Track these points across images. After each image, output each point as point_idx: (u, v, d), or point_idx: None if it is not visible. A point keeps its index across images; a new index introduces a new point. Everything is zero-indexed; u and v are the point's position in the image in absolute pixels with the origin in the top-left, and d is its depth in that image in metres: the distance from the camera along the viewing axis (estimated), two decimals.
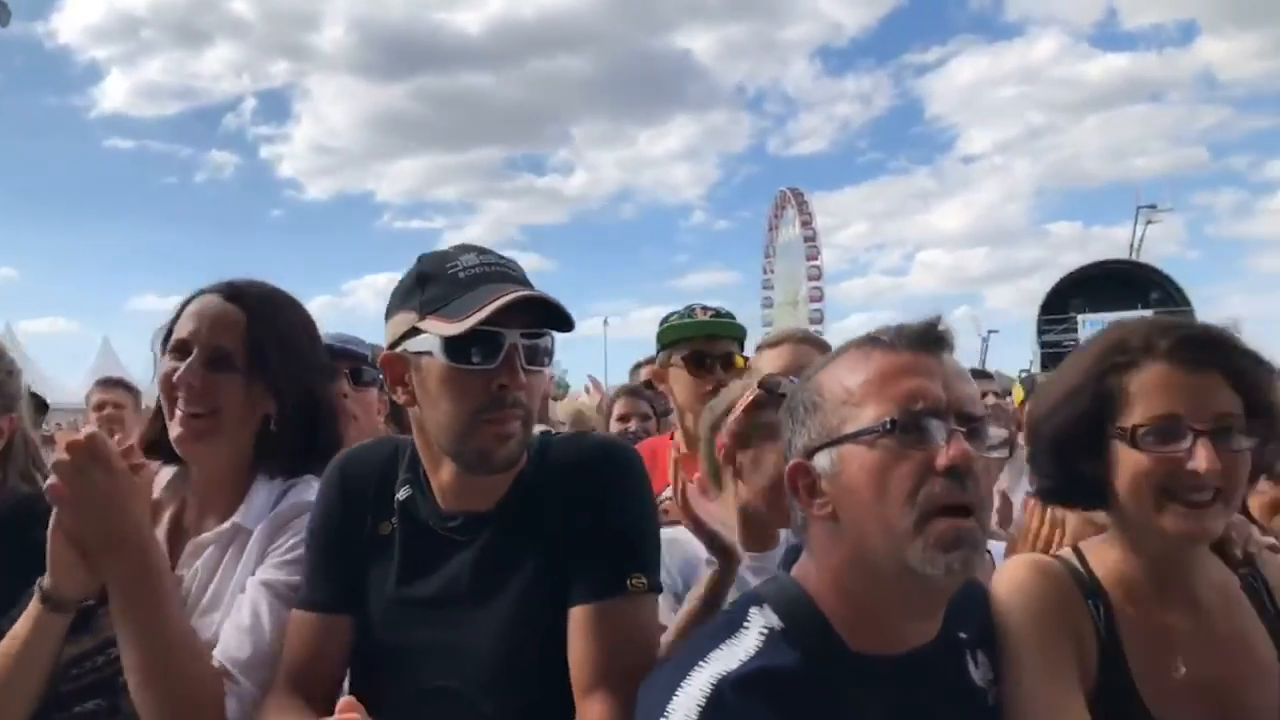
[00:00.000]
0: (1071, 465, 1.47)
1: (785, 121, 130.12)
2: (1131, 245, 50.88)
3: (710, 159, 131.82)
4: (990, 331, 49.97)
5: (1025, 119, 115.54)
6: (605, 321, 58.39)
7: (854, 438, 1.24)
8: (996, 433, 1.28)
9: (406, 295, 1.54)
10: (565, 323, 1.49)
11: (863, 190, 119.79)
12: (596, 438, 1.82)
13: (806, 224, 64.93)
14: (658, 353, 3.01)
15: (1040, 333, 44.59)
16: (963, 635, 1.37)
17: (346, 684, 1.60)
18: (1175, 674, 1.42)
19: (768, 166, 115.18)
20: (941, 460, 1.19)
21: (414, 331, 1.49)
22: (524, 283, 1.52)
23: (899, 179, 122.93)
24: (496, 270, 1.51)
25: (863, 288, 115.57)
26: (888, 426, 1.21)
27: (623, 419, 4.53)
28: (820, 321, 63.72)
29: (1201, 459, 1.34)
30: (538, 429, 1.58)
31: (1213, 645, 1.44)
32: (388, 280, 1.73)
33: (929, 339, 1.29)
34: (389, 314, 1.57)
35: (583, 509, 1.51)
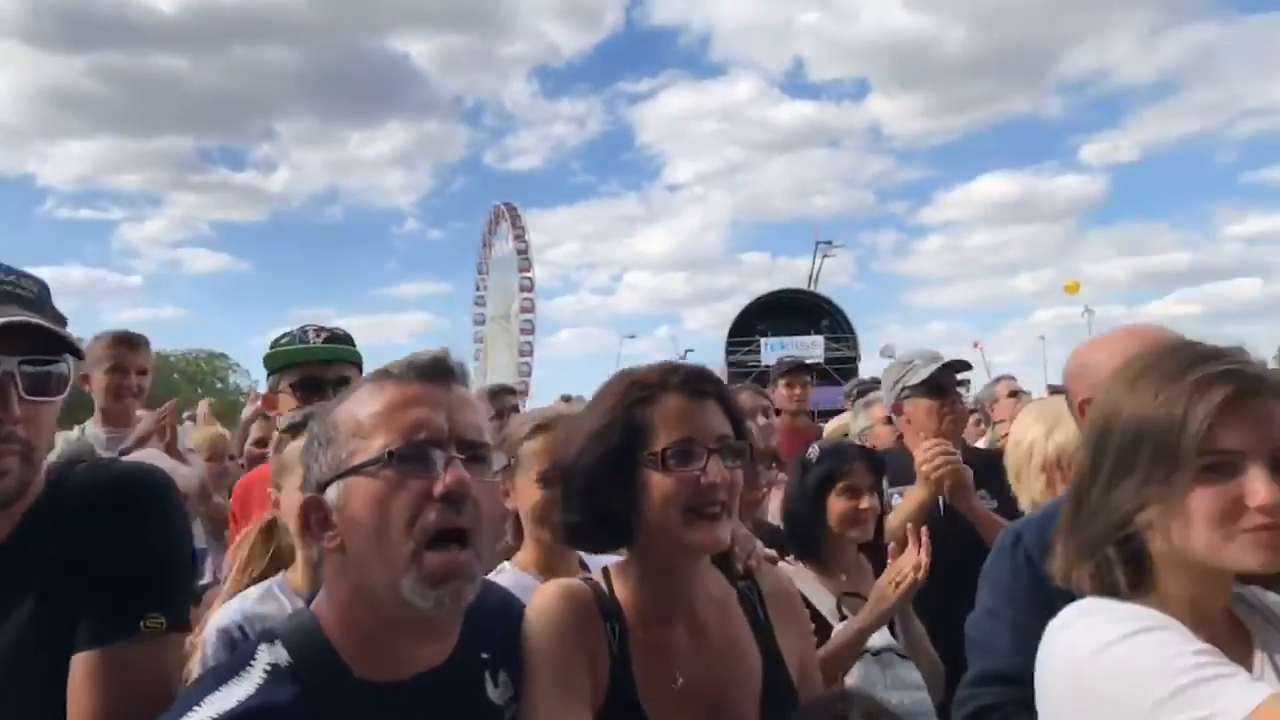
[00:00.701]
0: (605, 500, 1.58)
1: (502, 136, 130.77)
2: (810, 276, 56.59)
3: (424, 167, 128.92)
4: (687, 350, 53.09)
5: (724, 154, 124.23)
6: None
7: (359, 469, 1.27)
8: (499, 459, 1.38)
9: None
10: (76, 350, 1.41)
11: (575, 210, 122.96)
12: (121, 465, 1.70)
13: (520, 238, 65.47)
14: (268, 377, 2.83)
15: (728, 353, 48.13)
16: (485, 655, 1.43)
17: None
18: (674, 685, 1.57)
19: (483, 179, 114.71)
20: (438, 487, 1.25)
21: None
22: (34, 304, 1.41)
23: (609, 202, 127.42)
24: None
25: (573, 305, 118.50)
26: (388, 457, 1.25)
27: (260, 443, 4.07)
28: (531, 333, 64.59)
29: (713, 472, 1.53)
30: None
31: (707, 656, 1.62)
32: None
33: (437, 370, 1.35)
34: None
35: (96, 543, 1.42)
